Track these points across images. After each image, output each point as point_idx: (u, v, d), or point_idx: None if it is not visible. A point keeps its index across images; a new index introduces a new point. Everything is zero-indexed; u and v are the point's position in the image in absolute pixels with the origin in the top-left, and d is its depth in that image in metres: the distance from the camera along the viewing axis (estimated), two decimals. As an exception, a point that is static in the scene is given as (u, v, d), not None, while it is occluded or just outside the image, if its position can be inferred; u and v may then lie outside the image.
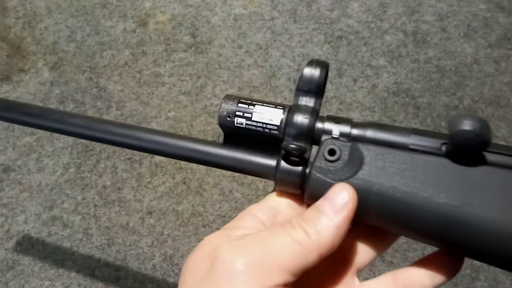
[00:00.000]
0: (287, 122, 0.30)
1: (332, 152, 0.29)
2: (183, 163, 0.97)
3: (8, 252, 0.92)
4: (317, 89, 0.31)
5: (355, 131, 0.29)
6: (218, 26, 1.08)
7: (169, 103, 1.02)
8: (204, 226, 0.93)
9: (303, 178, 0.29)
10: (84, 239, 0.93)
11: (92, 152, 0.98)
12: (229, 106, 0.30)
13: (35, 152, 0.99)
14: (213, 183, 0.96)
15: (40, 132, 1.00)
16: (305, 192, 0.29)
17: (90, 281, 0.90)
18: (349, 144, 0.29)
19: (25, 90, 1.03)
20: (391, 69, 1.05)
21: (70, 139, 0.99)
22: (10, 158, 0.98)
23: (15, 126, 1.01)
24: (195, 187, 0.95)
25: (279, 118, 0.30)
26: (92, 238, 0.93)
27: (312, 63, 0.31)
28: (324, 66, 0.31)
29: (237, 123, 0.30)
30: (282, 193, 0.31)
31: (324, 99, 1.03)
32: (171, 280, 0.90)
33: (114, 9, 1.09)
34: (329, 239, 0.26)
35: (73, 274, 0.91)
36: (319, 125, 0.30)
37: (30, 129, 1.00)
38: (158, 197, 0.94)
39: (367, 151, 0.28)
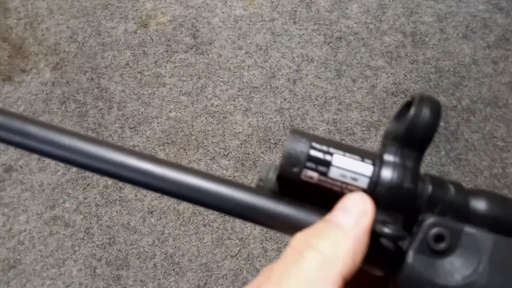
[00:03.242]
0: (379, 184, 0.21)
1: (439, 238, 0.21)
2: (183, 162, 0.97)
3: (10, 251, 0.93)
4: (424, 141, 0.22)
5: (468, 206, 0.22)
6: (218, 27, 1.09)
7: (170, 103, 1.02)
8: (204, 226, 0.94)
9: (391, 262, 0.22)
10: (85, 238, 0.93)
11: (93, 152, 0.99)
12: (298, 149, 0.21)
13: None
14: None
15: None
16: (393, 283, 0.22)
17: (91, 280, 0.91)
18: (461, 227, 0.21)
19: (26, 91, 1.04)
20: (390, 70, 1.05)
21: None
22: (12, 158, 0.99)
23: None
24: (195, 187, 0.96)
25: (367, 178, 0.21)
26: (94, 237, 0.93)
27: (423, 101, 0.22)
28: (437, 107, 0.22)
29: (305, 176, 0.22)
30: None
31: (324, 100, 1.04)
32: (172, 279, 0.91)
33: (115, 10, 1.10)
34: (348, 255, 0.20)
35: (75, 273, 0.91)
36: (420, 191, 0.22)
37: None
38: (159, 197, 0.95)
39: (485, 241, 0.21)
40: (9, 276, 0.91)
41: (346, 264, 0.20)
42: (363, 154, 0.22)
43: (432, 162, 0.99)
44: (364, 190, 0.21)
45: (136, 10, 1.10)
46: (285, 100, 1.03)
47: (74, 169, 0.98)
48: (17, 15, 1.10)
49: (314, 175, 0.21)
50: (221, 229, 0.93)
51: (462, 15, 1.10)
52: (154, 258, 0.92)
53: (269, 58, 1.06)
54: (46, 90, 1.04)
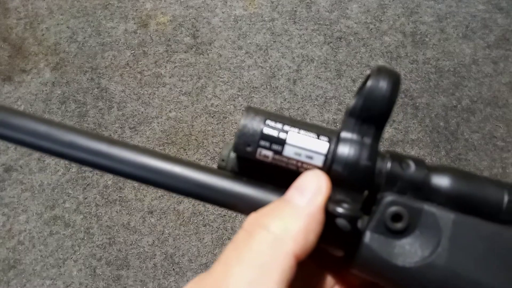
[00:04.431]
0: (335, 162, 0.21)
1: (397, 217, 0.20)
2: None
3: (10, 251, 0.93)
4: (382, 115, 0.21)
5: (430, 183, 0.21)
6: (218, 27, 1.09)
7: (170, 103, 1.02)
8: (204, 226, 0.94)
9: (348, 243, 0.21)
10: (85, 238, 0.93)
11: (93, 152, 0.99)
12: (251, 127, 0.21)
13: (37, 152, 0.99)
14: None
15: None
16: (351, 263, 0.21)
17: (91, 280, 0.91)
18: (421, 206, 0.20)
19: (26, 91, 1.04)
20: (390, 70, 1.05)
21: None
22: (12, 158, 0.99)
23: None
24: (195, 187, 0.96)
25: (322, 156, 0.21)
26: (94, 237, 0.93)
27: (380, 73, 0.21)
28: (395, 79, 0.21)
29: (260, 155, 0.21)
30: None
31: (324, 100, 1.04)
32: (172, 279, 0.91)
33: (115, 10, 1.10)
34: (300, 234, 0.20)
35: (75, 273, 0.91)
36: (379, 169, 0.21)
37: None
38: (159, 197, 0.95)
39: (445, 220, 0.20)
40: (9, 276, 0.91)
41: (297, 242, 0.19)
42: (319, 131, 0.21)
43: (432, 162, 0.99)
44: (320, 168, 0.21)
45: (136, 10, 1.10)
46: (285, 100, 1.03)
47: (74, 169, 0.98)
48: (17, 15, 1.10)
49: (269, 154, 0.21)
50: (221, 229, 0.93)
51: (462, 15, 1.10)
52: (154, 258, 0.92)
53: (269, 58, 1.06)
54: (46, 90, 1.04)
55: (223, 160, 0.23)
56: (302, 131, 0.21)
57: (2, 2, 1.11)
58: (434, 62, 1.06)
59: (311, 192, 0.20)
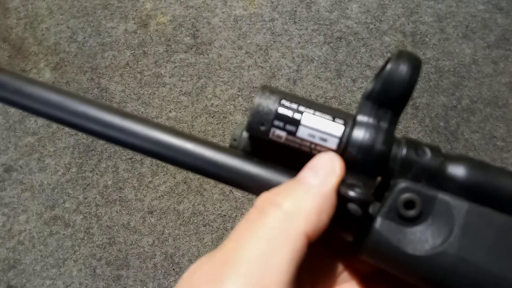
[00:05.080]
0: (349, 145, 0.20)
1: (409, 205, 0.20)
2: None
3: (10, 251, 0.93)
4: (400, 100, 0.20)
5: (445, 171, 0.20)
6: (218, 27, 1.09)
7: (170, 103, 1.02)
8: (204, 225, 0.94)
9: (359, 227, 0.21)
10: (85, 238, 0.93)
11: (93, 152, 0.99)
12: (266, 107, 0.21)
13: (37, 152, 0.99)
14: (214, 183, 0.96)
15: (42, 132, 1.00)
16: (360, 249, 0.21)
17: (91, 280, 0.91)
18: (435, 194, 0.20)
19: (26, 91, 1.04)
20: (390, 70, 1.05)
21: (72, 139, 1.00)
22: (12, 158, 0.99)
23: (17, 126, 1.01)
24: (195, 187, 0.96)
25: (336, 139, 0.20)
26: (94, 237, 0.93)
27: (401, 57, 0.20)
28: (416, 63, 0.21)
29: (273, 136, 0.21)
30: None
31: (324, 100, 1.04)
32: (172, 278, 0.91)
33: (115, 10, 1.10)
34: (312, 212, 0.19)
35: (75, 273, 0.91)
36: (394, 154, 0.21)
37: (32, 129, 1.01)
38: (159, 197, 0.95)
39: (459, 210, 0.19)
40: (9, 276, 0.91)
41: (309, 221, 0.19)
42: (335, 114, 0.21)
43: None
44: (334, 151, 0.21)
45: (136, 10, 1.10)
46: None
47: (74, 169, 0.98)
48: (17, 15, 1.10)
49: (282, 134, 0.21)
50: (221, 229, 0.93)
51: (462, 15, 1.10)
52: (154, 258, 0.92)
53: (269, 58, 1.06)
54: (46, 90, 1.04)
55: (235, 140, 0.23)
56: (317, 113, 0.21)
57: (2, 2, 1.11)
58: (434, 62, 1.06)
59: (324, 172, 0.20)
